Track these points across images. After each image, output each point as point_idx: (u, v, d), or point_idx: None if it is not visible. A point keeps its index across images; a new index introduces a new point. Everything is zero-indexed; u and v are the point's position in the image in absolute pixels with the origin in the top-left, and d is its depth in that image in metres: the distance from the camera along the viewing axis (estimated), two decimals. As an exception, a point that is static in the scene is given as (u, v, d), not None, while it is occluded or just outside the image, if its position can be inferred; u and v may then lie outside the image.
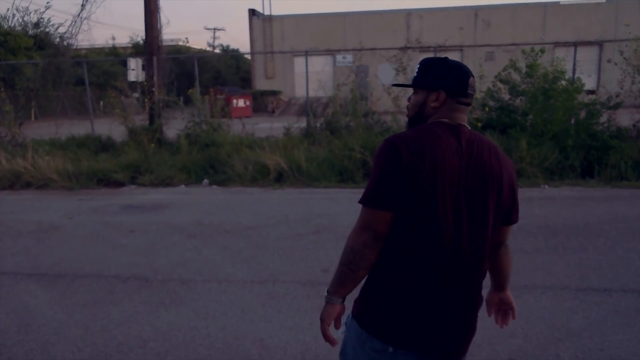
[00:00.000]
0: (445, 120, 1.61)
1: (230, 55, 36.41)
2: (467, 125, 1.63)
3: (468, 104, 1.64)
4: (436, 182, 1.50)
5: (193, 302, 3.87)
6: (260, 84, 28.32)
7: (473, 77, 1.65)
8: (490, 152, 1.60)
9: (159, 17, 10.59)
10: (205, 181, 8.83)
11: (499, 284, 1.89)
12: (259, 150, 9.24)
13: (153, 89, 10.52)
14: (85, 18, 10.25)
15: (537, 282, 4.10)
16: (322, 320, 1.67)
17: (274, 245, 5.16)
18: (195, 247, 5.14)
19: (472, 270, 1.59)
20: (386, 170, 1.53)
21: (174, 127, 10.89)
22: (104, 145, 10.56)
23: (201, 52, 34.44)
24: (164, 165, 9.16)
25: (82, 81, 13.29)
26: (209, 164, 9.36)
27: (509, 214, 1.70)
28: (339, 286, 1.63)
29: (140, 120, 10.85)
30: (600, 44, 21.83)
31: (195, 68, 11.33)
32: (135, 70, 11.47)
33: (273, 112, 25.59)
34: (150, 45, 10.68)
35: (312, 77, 11.72)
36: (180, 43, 38.33)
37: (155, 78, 10.61)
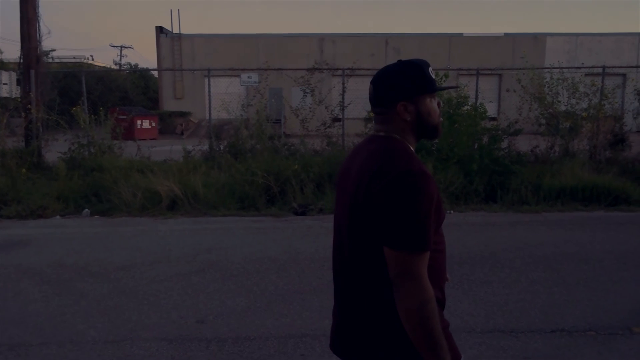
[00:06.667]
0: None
1: (139, 75, 34.59)
2: (380, 134, 1.51)
3: (375, 113, 1.55)
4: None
5: (17, 377, 2.98)
6: (169, 104, 26.99)
7: (371, 84, 1.56)
8: (360, 156, 1.49)
9: (39, 25, 9.39)
10: (86, 211, 7.73)
11: None
12: (150, 176, 8.31)
13: (29, 106, 9.24)
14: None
15: (441, 324, 3.66)
16: None
17: (145, 290, 4.34)
18: (45, 297, 4.19)
19: (348, 285, 1.49)
20: None
21: (57, 149, 9.62)
22: (-34, 171, 9.02)
23: (103, 70, 32.40)
24: (37, 194, 7.94)
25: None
26: (92, 191, 8.26)
27: (380, 232, 1.34)
28: None
29: (13, 142, 9.46)
30: (499, 73, 23.23)
31: (82, 84, 10.18)
32: (7, 85, 10.07)
33: (182, 134, 24.38)
34: (27, 57, 9.41)
35: (221, 98, 11.00)
36: (84, 60, 36.01)
37: (32, 94, 9.32)
